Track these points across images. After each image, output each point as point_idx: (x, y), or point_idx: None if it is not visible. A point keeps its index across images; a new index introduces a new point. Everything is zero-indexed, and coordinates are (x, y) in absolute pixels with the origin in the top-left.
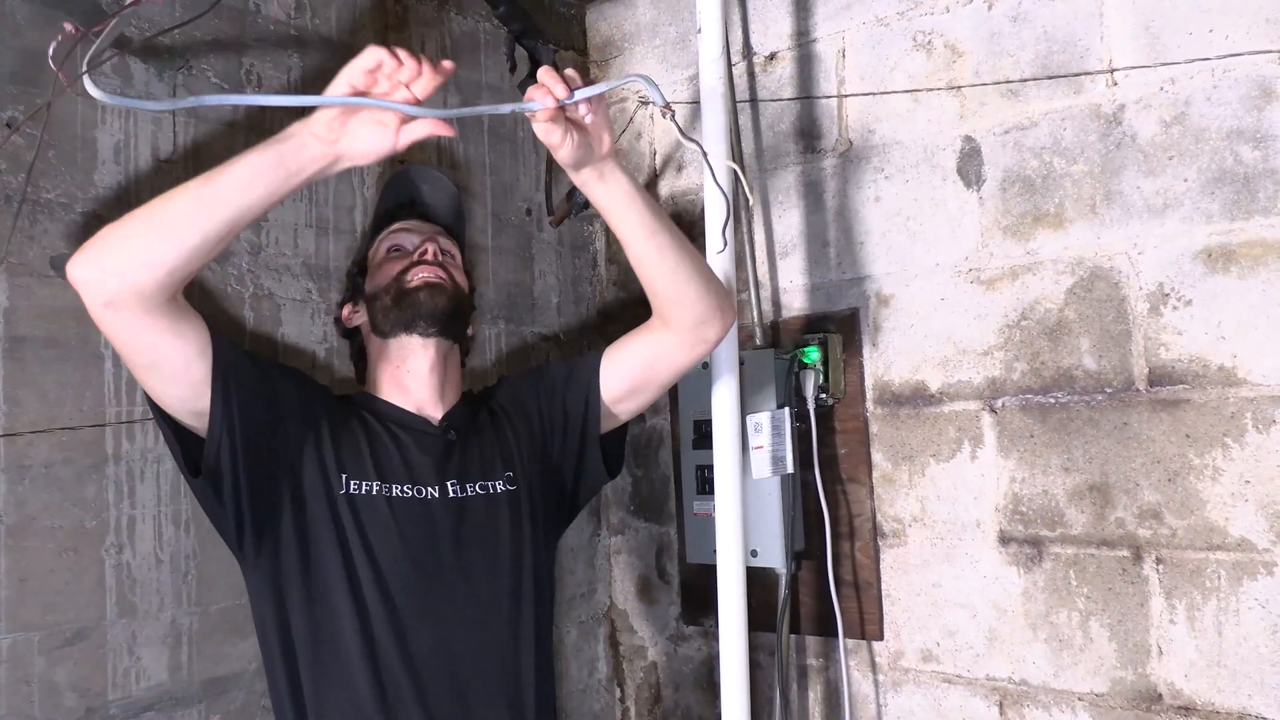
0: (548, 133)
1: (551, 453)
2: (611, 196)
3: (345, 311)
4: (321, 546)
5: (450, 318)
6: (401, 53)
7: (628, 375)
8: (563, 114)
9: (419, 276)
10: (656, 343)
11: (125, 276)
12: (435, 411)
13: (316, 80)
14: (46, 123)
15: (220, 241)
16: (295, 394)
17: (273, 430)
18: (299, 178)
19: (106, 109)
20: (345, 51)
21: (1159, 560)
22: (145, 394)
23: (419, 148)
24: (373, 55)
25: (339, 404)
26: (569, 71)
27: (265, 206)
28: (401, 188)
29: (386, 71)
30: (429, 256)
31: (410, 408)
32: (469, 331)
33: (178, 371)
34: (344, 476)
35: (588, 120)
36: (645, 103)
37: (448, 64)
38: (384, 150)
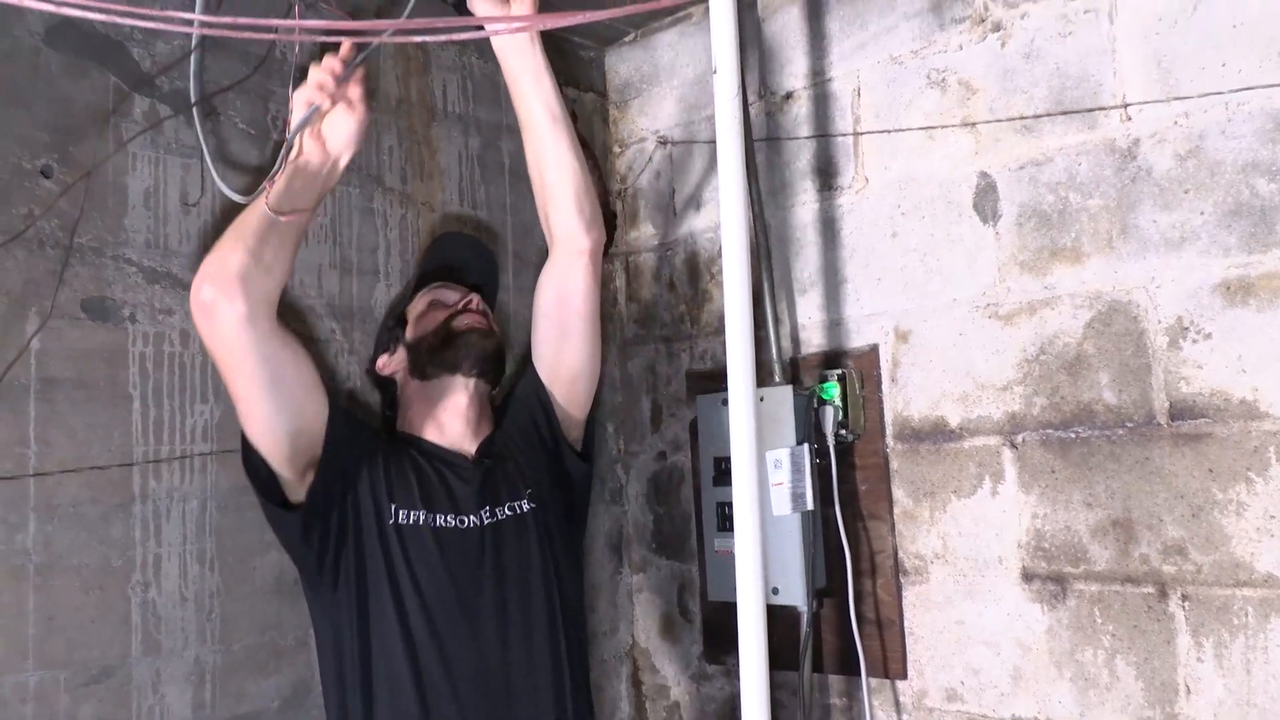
0: None
1: (548, 458)
2: (522, 66)
3: (380, 362)
4: (375, 575)
5: (491, 361)
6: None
7: (550, 332)
8: None
9: (466, 322)
10: (549, 276)
11: (252, 281)
12: (470, 446)
13: None
14: (87, 181)
15: (298, 243)
16: (360, 432)
17: (349, 467)
18: (324, 176)
19: (139, 156)
20: (369, 95)
21: (1185, 597)
22: (244, 443)
23: (439, 188)
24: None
25: (385, 441)
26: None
27: (318, 196)
28: (443, 252)
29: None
30: (475, 306)
31: (447, 444)
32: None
33: (304, 385)
34: (393, 506)
35: None
36: (664, 142)
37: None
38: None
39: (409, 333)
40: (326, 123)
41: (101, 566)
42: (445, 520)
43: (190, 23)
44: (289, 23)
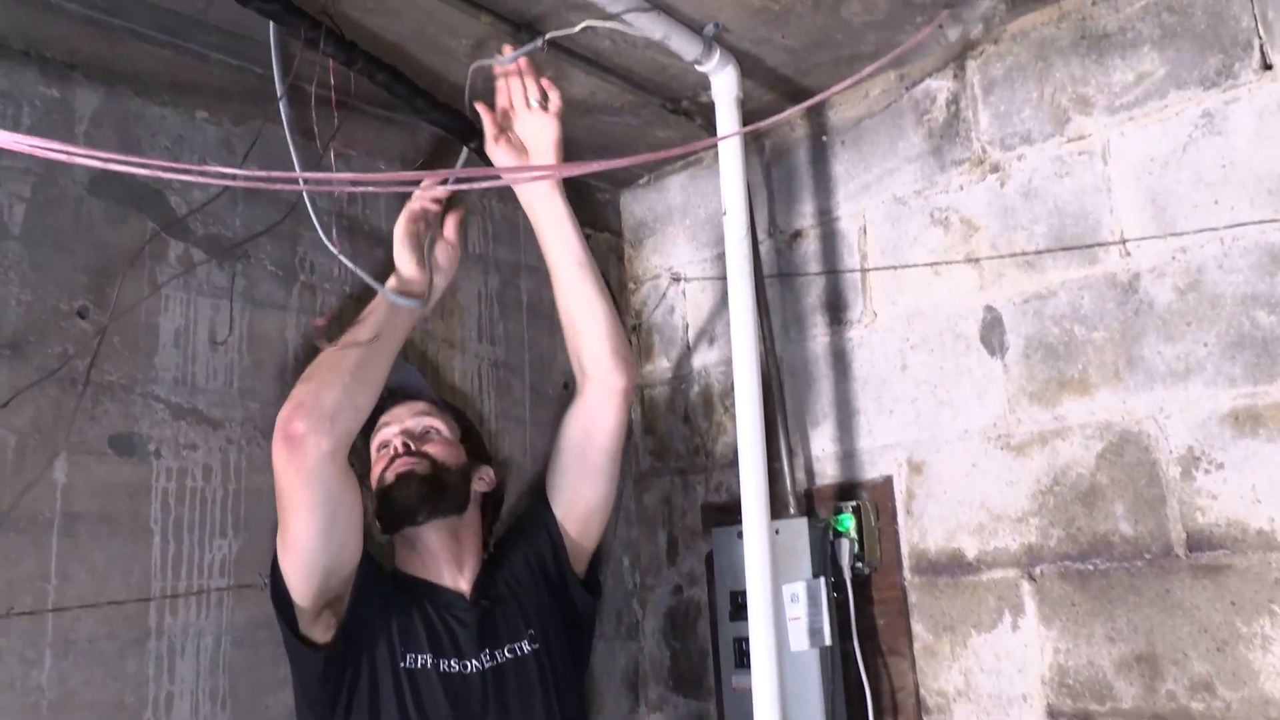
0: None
1: (553, 594)
2: (547, 217)
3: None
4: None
5: (431, 500)
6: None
7: (571, 466)
8: (504, 135)
9: (392, 472)
10: (578, 412)
11: (340, 421)
12: (462, 584)
13: (366, 265)
14: (121, 321)
15: (383, 380)
16: (380, 576)
17: (371, 613)
18: (415, 316)
19: (171, 297)
20: (391, 238)
21: None
22: (275, 564)
23: (459, 325)
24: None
25: (394, 582)
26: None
27: (406, 335)
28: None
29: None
30: (400, 449)
31: (439, 582)
32: (481, 488)
33: (352, 527)
34: (403, 650)
35: (528, 133)
36: (677, 279)
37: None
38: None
39: (370, 484)
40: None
41: (114, 704)
42: (449, 665)
43: (226, 175)
44: (318, 175)
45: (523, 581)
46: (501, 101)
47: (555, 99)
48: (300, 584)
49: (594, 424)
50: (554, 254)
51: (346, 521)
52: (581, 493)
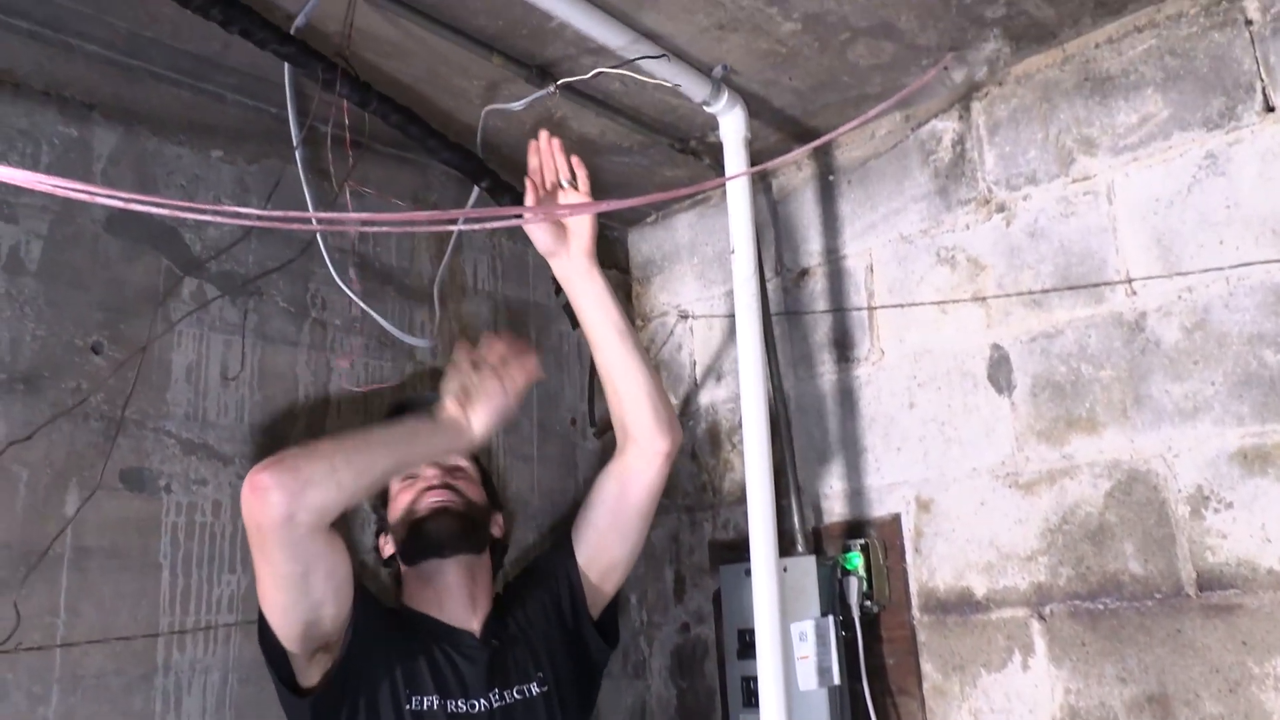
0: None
1: (566, 639)
2: (587, 293)
3: (380, 542)
4: None
5: (463, 536)
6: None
7: (603, 520)
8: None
9: (426, 504)
10: (618, 469)
11: (314, 491)
12: (473, 622)
13: (377, 301)
14: (138, 357)
15: (388, 479)
16: (378, 621)
17: (369, 660)
18: (439, 446)
19: (184, 333)
20: (402, 275)
21: None
22: (261, 617)
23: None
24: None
25: (396, 621)
26: None
27: (422, 458)
28: (407, 414)
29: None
30: (435, 480)
31: (450, 621)
32: (496, 533)
33: (332, 586)
34: (408, 693)
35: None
36: (685, 316)
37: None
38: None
39: (389, 513)
40: (479, 400)
41: None
42: (456, 705)
43: (241, 214)
44: (331, 215)
45: (535, 624)
46: (534, 179)
47: (583, 178)
48: (282, 631)
49: (632, 482)
50: (595, 326)
51: (324, 583)
52: (608, 546)
